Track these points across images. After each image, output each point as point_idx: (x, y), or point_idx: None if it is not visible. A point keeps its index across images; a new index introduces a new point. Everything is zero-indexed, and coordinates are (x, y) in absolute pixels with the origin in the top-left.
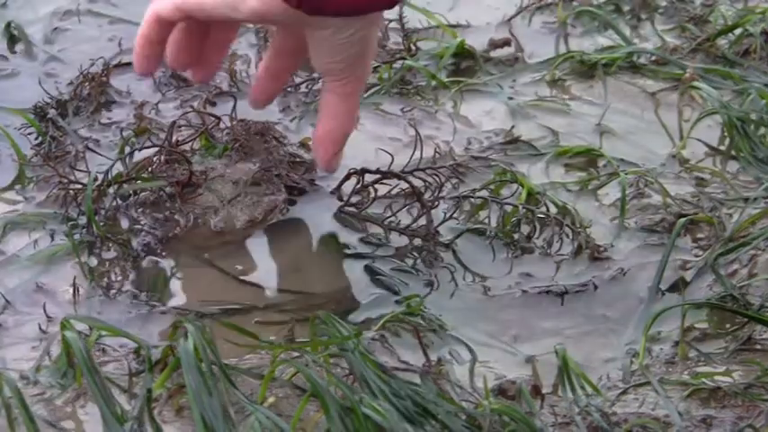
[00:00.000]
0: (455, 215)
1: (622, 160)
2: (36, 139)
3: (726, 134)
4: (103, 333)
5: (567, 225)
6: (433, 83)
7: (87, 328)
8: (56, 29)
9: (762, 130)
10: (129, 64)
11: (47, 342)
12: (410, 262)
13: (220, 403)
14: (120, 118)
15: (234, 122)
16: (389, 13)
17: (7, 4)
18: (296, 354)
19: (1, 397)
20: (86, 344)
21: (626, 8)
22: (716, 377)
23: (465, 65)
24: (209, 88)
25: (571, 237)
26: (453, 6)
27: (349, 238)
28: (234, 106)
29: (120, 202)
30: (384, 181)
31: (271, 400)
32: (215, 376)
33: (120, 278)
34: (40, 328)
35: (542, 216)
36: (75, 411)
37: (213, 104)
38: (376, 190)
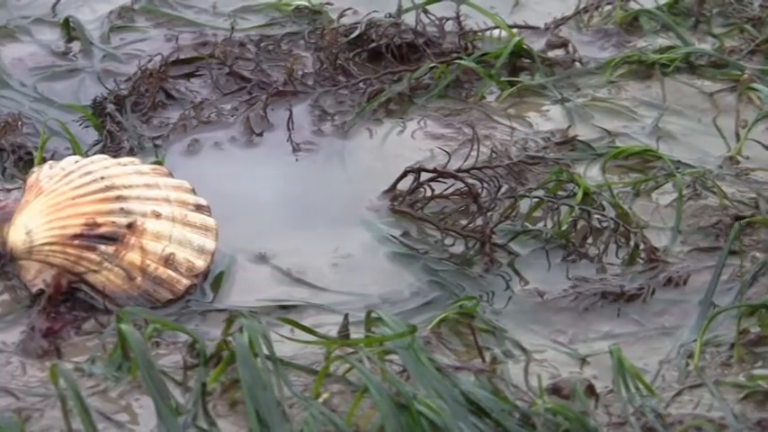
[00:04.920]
0: (510, 216)
1: (679, 162)
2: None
3: None
4: (159, 326)
5: (623, 226)
6: (490, 83)
7: (143, 321)
8: (113, 27)
9: None
10: (186, 61)
11: (102, 335)
12: (466, 264)
13: (274, 398)
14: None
15: None
16: (448, 13)
17: (65, 3)
18: (350, 350)
19: (56, 388)
20: (142, 337)
21: (684, 9)
22: None
23: (522, 65)
24: (268, 90)
25: (626, 239)
26: (513, 11)
27: (405, 238)
28: (290, 107)
29: None
30: (440, 180)
31: (325, 395)
32: (269, 371)
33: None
34: (96, 321)
35: (598, 216)
36: (129, 404)
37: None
38: (433, 189)
